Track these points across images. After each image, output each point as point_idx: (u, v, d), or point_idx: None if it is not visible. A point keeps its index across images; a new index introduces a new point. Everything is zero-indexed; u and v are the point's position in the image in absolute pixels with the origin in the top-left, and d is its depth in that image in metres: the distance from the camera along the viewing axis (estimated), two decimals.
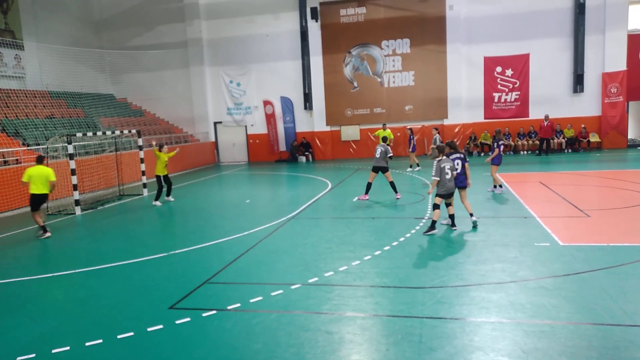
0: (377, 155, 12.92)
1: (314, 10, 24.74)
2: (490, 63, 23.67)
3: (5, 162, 15.38)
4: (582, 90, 22.86)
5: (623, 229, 9.06)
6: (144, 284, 7.45)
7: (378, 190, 13.98)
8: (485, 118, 24.14)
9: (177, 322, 5.83)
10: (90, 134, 15.59)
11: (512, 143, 23.35)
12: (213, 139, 27.91)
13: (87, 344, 5.39)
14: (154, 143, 15.19)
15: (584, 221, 9.77)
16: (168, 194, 14.92)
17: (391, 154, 13.01)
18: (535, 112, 23.31)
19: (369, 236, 9.48)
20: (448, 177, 9.29)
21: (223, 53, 26.81)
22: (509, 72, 23.53)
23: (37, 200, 10.91)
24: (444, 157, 9.45)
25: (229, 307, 6.18)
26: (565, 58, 22.90)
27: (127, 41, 27.56)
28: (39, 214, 11.03)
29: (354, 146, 25.77)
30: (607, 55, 22.38)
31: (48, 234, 10.97)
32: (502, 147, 12.99)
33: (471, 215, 9.69)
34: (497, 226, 9.63)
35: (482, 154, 23.54)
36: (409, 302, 6.08)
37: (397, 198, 13.03)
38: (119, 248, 9.83)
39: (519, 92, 23.60)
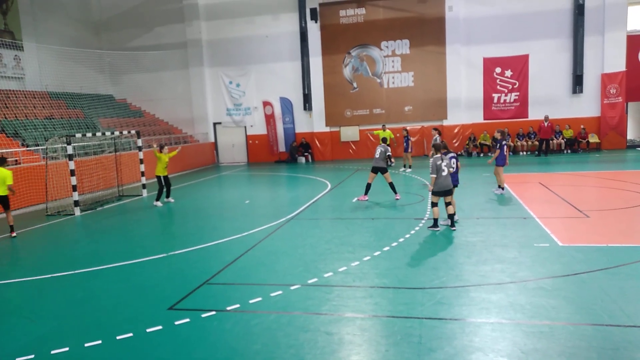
0: (377, 156, 12.93)
1: (313, 11, 24.76)
2: (489, 64, 23.69)
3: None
4: (581, 91, 22.88)
5: (622, 229, 9.06)
6: (143, 284, 7.44)
7: (377, 191, 13.98)
8: (484, 119, 24.15)
9: (177, 323, 5.82)
10: (89, 134, 15.58)
11: (512, 144, 23.34)
12: (212, 140, 27.90)
13: (86, 344, 5.39)
14: (154, 145, 15.18)
15: (583, 222, 9.78)
16: (167, 195, 14.91)
17: (390, 154, 13.00)
18: (535, 113, 23.33)
19: (368, 237, 9.48)
20: (444, 174, 9.47)
21: (222, 54, 26.82)
22: (508, 73, 23.54)
23: None
24: (440, 155, 9.59)
25: (228, 308, 6.18)
26: (564, 59, 22.92)
27: (126, 42, 27.56)
28: (8, 213, 11.41)
29: (354, 147, 25.77)
30: (606, 56, 22.40)
31: (13, 234, 11.32)
32: (505, 147, 12.98)
33: (452, 222, 9.74)
34: (496, 227, 9.64)
35: (482, 155, 23.57)
36: (408, 303, 6.08)
37: (397, 199, 13.04)
38: (118, 249, 9.83)
39: (518, 93, 23.61)
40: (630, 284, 6.35)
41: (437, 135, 16.35)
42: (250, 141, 27.46)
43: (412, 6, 24.08)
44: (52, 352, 5.26)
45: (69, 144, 13.82)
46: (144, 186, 16.89)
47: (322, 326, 5.56)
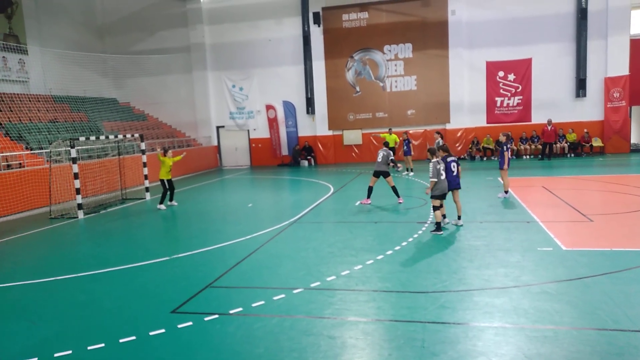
0: (379, 160, 12.94)
1: (316, 15, 24.83)
2: (492, 68, 23.69)
3: (9, 166, 15.43)
4: (584, 95, 22.85)
5: (626, 233, 9.03)
6: (146, 288, 7.45)
7: (380, 194, 13.97)
8: (487, 123, 24.14)
9: (179, 326, 5.82)
10: (93, 138, 15.64)
11: (515, 147, 23.32)
12: (215, 143, 27.96)
13: (89, 347, 5.39)
14: (158, 149, 15.21)
15: (587, 226, 9.74)
16: (171, 199, 14.94)
17: (393, 158, 13.00)
18: (538, 117, 23.30)
19: (371, 240, 9.47)
20: (442, 177, 9.61)
21: (226, 58, 26.90)
22: (511, 76, 23.54)
23: None
24: (437, 160, 9.67)
25: (231, 312, 6.18)
26: (567, 63, 22.91)
27: (130, 46, 27.68)
28: None
29: (356, 150, 25.78)
30: (609, 60, 22.37)
31: None
32: (509, 151, 12.96)
33: (459, 217, 10.17)
34: (500, 231, 9.61)
35: (485, 159, 23.54)
36: (411, 307, 6.06)
37: (400, 202, 13.02)
38: (122, 252, 9.84)
39: (521, 97, 23.60)
40: (635, 288, 6.32)
41: (439, 139, 16.36)
42: (253, 145, 27.51)
43: (415, 10, 24.12)
44: (55, 355, 5.26)
45: (72, 147, 13.87)
46: (147, 189, 16.92)
47: (324, 330, 5.55)
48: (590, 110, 23.03)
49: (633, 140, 23.62)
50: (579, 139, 22.98)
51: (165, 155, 14.56)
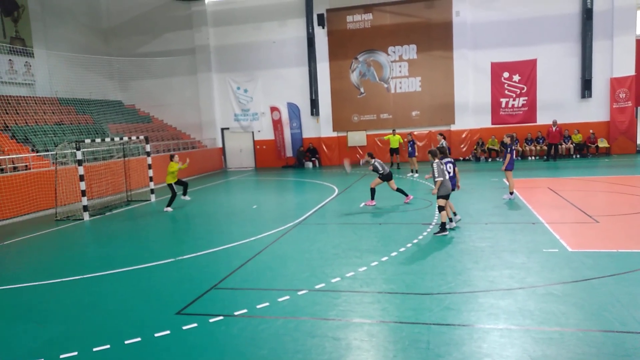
0: (380, 170, 13.00)
1: (320, 17, 24.85)
2: (497, 69, 23.63)
3: (15, 169, 15.52)
4: (590, 96, 22.75)
5: (632, 235, 8.97)
6: (152, 289, 7.47)
7: (384, 196, 13.96)
8: (492, 124, 24.08)
9: (184, 327, 5.83)
10: (98, 140, 15.72)
11: (520, 149, 23.24)
12: (220, 145, 28.03)
13: (94, 349, 5.41)
14: (176, 157, 15.12)
15: (592, 227, 9.69)
16: (184, 193, 15.23)
17: (382, 171, 13.01)
18: (543, 118, 23.22)
19: (375, 242, 9.46)
20: (447, 177, 9.72)
21: (230, 60, 26.98)
22: (516, 77, 23.47)
23: None
24: (439, 160, 9.76)
25: (236, 313, 6.18)
26: (572, 63, 22.82)
27: (135, 48, 27.82)
28: None
29: (361, 152, 25.75)
30: (615, 61, 22.26)
31: None
32: (514, 152, 12.94)
33: (455, 214, 10.34)
34: (505, 232, 9.58)
35: (490, 160, 23.47)
36: (416, 309, 6.05)
37: (406, 202, 13.03)
38: (127, 254, 9.88)
39: (526, 98, 23.52)
40: None
41: (442, 140, 16.34)
42: (258, 146, 27.56)
43: (419, 11, 24.10)
44: (61, 356, 5.28)
45: (78, 149, 13.94)
46: (152, 191, 16.98)
47: (329, 331, 5.55)
48: (595, 111, 22.93)
49: (639, 141, 23.46)
50: (585, 139, 22.87)
51: (172, 160, 14.67)
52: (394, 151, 21.77)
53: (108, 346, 5.46)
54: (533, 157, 23.25)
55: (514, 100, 23.70)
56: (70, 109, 22.12)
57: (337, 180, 19.32)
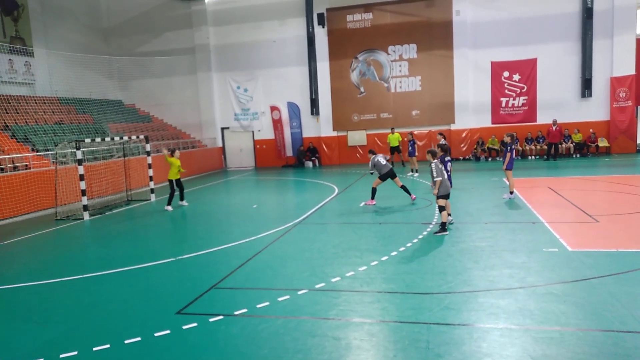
0: (383, 163, 12.96)
1: (320, 16, 24.84)
2: (497, 68, 23.62)
3: (15, 168, 15.52)
4: (590, 95, 22.73)
5: (633, 234, 8.97)
6: (151, 289, 7.47)
7: (385, 195, 13.96)
8: (492, 123, 24.07)
9: (184, 327, 5.84)
10: (98, 139, 15.72)
11: (520, 148, 23.24)
12: (220, 145, 28.03)
13: (94, 349, 5.41)
14: (165, 151, 15.26)
15: (592, 227, 9.69)
16: (181, 199, 15.03)
17: (373, 172, 13.18)
18: (543, 117, 23.21)
19: (375, 241, 9.46)
20: (445, 176, 9.73)
21: (230, 59, 26.97)
22: (516, 76, 23.46)
23: None
24: (439, 159, 9.86)
25: (236, 313, 6.19)
26: (573, 62, 22.80)
27: (135, 48, 27.81)
28: None
29: (361, 151, 25.76)
30: (615, 60, 22.25)
31: None
32: (513, 151, 12.94)
33: (449, 214, 10.21)
34: (505, 231, 9.58)
35: (490, 159, 23.47)
36: (416, 308, 6.05)
37: (413, 199, 13.10)
38: (127, 253, 9.88)
39: (526, 97, 23.51)
40: None
41: (442, 140, 16.34)
42: (258, 146, 27.55)
43: (419, 10, 24.08)
44: (61, 355, 5.29)
45: (78, 148, 13.94)
46: (152, 191, 16.97)
47: (329, 331, 5.55)
48: (596, 110, 22.91)
49: (639, 141, 23.46)
50: (585, 139, 22.86)
51: (172, 156, 14.63)
52: (394, 150, 21.77)
53: (108, 346, 5.46)
54: (533, 157, 23.25)
55: (514, 99, 23.69)
56: (70, 109, 22.11)
57: (337, 180, 19.32)
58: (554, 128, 22.21)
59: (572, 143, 22.87)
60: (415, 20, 24.22)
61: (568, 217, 10.50)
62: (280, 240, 10.04)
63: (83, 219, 13.86)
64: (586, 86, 22.63)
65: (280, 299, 6.59)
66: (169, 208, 14.50)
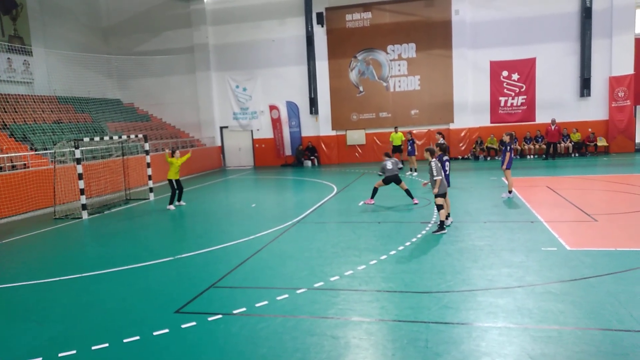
0: (389, 167, 12.88)
1: (319, 16, 24.83)
2: (496, 67, 23.63)
3: (13, 167, 15.50)
4: (589, 94, 22.76)
5: (631, 233, 8.98)
6: (150, 288, 7.46)
7: (384, 195, 13.96)
8: (491, 122, 24.09)
9: (183, 326, 5.84)
10: (97, 138, 15.70)
11: (519, 147, 23.26)
12: (219, 144, 28.01)
13: (93, 347, 5.41)
14: (166, 150, 15.25)
15: (591, 226, 9.71)
16: (179, 199, 15.00)
17: (401, 166, 13.20)
18: (542, 116, 23.23)
19: (374, 241, 9.46)
20: (443, 175, 9.79)
21: (229, 58, 26.95)
22: (515, 76, 23.48)
23: None
24: (437, 158, 9.89)
25: (235, 312, 6.19)
26: (571, 62, 22.83)
27: (134, 47, 27.77)
28: None
29: (360, 150, 25.77)
30: (614, 59, 22.28)
31: None
32: (512, 150, 12.96)
33: (448, 215, 10.25)
34: (503, 231, 9.59)
35: (489, 159, 23.48)
36: (415, 307, 6.05)
37: (415, 203, 12.98)
38: (126, 252, 9.88)
39: (525, 97, 23.53)
40: (639, 288, 6.29)
41: (441, 139, 16.35)
42: (257, 145, 27.54)
43: (418, 10, 24.09)
44: (60, 354, 5.28)
45: (77, 148, 13.92)
46: (151, 190, 16.96)
47: (328, 330, 5.55)
48: (594, 109, 22.94)
49: (638, 140, 23.45)
50: (584, 138, 22.89)
51: (173, 156, 14.63)
52: (396, 149, 21.71)
53: (107, 345, 5.46)
54: (532, 156, 23.27)
55: (513, 99, 23.71)
56: (68, 108, 22.08)
57: (336, 179, 19.32)
58: (552, 127, 22.23)
59: (570, 142, 22.90)
60: (414, 19, 24.22)
61: (567, 217, 10.52)
62: (279, 239, 10.04)
63: (82, 218, 13.84)
64: (585, 86, 22.65)
65: (279, 298, 6.59)
66: (171, 207, 14.49)
